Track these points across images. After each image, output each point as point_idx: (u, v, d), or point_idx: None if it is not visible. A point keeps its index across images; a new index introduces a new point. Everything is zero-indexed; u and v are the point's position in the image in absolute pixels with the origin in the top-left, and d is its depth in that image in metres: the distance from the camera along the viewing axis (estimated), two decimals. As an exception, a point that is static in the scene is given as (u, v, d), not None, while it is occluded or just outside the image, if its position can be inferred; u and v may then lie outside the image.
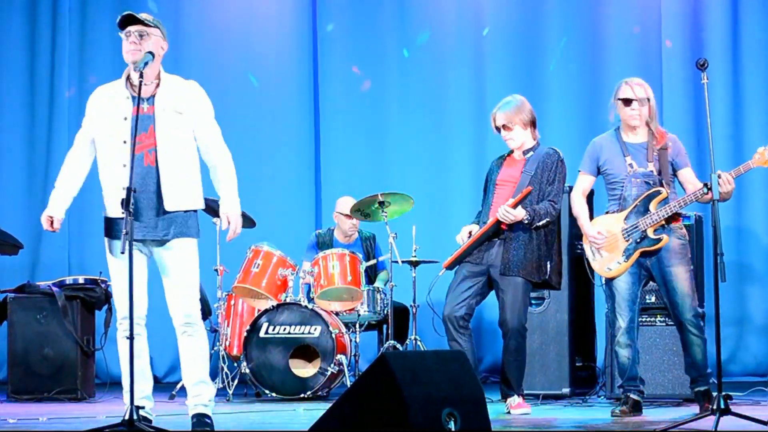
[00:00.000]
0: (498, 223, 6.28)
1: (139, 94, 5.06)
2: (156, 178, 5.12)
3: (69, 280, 8.00)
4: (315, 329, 7.58)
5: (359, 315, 7.86)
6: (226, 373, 7.71)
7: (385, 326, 8.14)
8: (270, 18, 10.00)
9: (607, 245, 6.20)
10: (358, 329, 7.89)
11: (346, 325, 7.89)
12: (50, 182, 9.87)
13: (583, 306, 7.63)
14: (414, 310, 7.78)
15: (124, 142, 5.09)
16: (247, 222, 8.04)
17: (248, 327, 7.62)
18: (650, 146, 6.19)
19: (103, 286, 7.88)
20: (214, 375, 5.44)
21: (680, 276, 6.11)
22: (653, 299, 6.96)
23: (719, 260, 5.08)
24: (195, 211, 5.26)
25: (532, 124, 6.44)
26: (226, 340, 7.92)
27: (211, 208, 6.80)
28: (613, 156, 6.25)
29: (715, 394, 5.06)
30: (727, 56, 9.08)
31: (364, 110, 9.83)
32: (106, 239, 5.27)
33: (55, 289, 7.75)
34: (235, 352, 7.91)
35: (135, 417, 4.79)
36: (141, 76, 5.04)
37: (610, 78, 9.30)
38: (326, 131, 9.92)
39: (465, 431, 4.39)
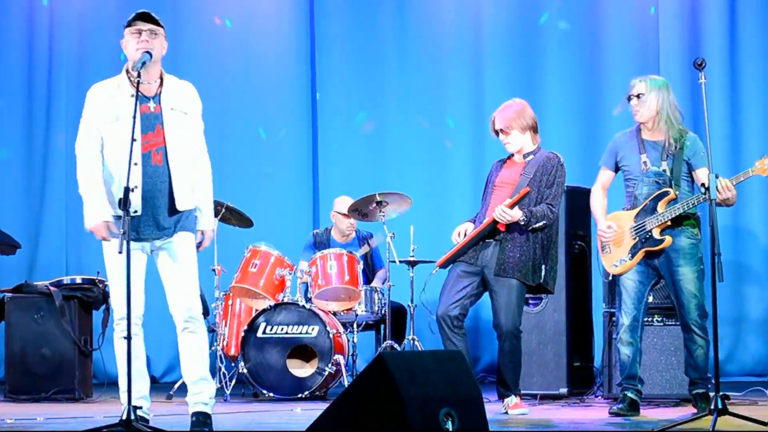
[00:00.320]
0: (494, 223, 6.26)
1: (137, 91, 5.03)
2: (166, 178, 5.11)
3: (66, 280, 7.99)
4: (312, 329, 7.58)
5: (357, 315, 7.86)
6: (223, 373, 7.70)
7: (382, 326, 8.14)
8: (270, 18, 10.00)
9: (615, 241, 6.21)
10: (355, 329, 7.90)
11: (344, 325, 7.89)
12: (48, 182, 10.00)
13: (581, 306, 7.62)
14: (411, 310, 7.79)
15: (134, 140, 5.07)
16: (245, 222, 8.04)
17: (246, 327, 7.62)
18: (666, 145, 6.18)
19: (100, 286, 7.87)
20: (211, 375, 5.44)
21: (687, 276, 6.11)
22: (650, 299, 6.95)
23: (717, 260, 5.08)
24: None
25: (532, 128, 6.40)
26: (224, 340, 7.92)
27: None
28: (630, 153, 6.25)
29: (712, 394, 5.06)
30: (724, 56, 9.08)
31: (361, 110, 9.83)
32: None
33: (52, 289, 7.74)
34: (232, 352, 7.91)
35: (132, 417, 4.79)
36: (139, 75, 5.04)
37: (607, 78, 9.32)
38: (324, 131, 9.92)
39: (462, 431, 4.39)
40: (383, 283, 7.94)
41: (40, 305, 7.73)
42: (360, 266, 7.88)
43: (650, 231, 6.11)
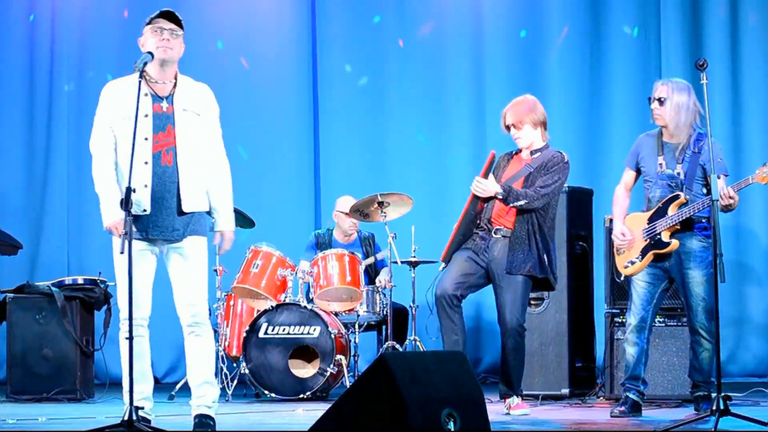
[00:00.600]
0: (476, 199, 6.29)
1: (139, 90, 5.02)
2: (174, 179, 5.11)
3: (68, 280, 7.99)
4: (314, 330, 7.58)
5: (358, 315, 7.86)
6: (225, 373, 7.70)
7: (384, 327, 8.14)
8: (270, 18, 10.00)
9: (629, 242, 6.22)
10: (357, 330, 7.89)
11: (346, 325, 7.89)
12: (49, 182, 10.00)
13: (583, 306, 7.62)
14: (413, 310, 7.78)
15: (146, 139, 5.05)
16: (247, 222, 8.04)
17: (247, 327, 7.62)
18: (682, 148, 6.18)
19: (102, 286, 7.88)
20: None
21: (696, 279, 6.12)
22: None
23: (719, 260, 5.08)
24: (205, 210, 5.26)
25: (543, 124, 6.42)
26: (226, 340, 7.91)
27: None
28: (648, 154, 6.26)
29: (714, 395, 5.06)
30: (726, 56, 9.07)
31: (363, 110, 9.83)
32: (114, 237, 5.20)
33: (54, 289, 7.75)
34: (234, 352, 7.91)
35: (134, 417, 4.79)
36: (141, 74, 5.03)
37: (608, 79, 9.31)
38: (325, 131, 9.91)
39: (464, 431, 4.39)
40: (390, 277, 7.90)
41: (42, 306, 7.73)
42: (362, 267, 7.88)
43: (660, 233, 6.12)
